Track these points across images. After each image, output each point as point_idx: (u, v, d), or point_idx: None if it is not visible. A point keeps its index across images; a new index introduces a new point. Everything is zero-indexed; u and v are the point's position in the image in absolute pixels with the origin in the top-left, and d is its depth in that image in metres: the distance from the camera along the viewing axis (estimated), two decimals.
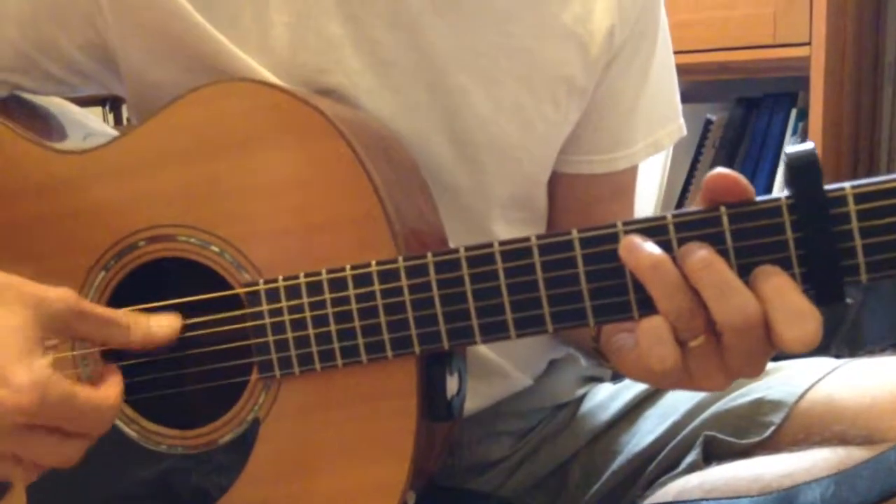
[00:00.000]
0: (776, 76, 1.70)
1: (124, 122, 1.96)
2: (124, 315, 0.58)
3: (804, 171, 0.49)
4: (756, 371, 0.53)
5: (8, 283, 0.55)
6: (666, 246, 0.51)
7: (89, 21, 0.66)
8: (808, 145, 0.50)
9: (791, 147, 0.50)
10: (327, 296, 0.58)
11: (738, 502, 0.62)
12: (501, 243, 0.55)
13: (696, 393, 0.77)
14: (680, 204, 1.77)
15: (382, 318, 0.57)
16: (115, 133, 0.71)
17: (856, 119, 1.67)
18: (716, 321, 0.50)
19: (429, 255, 0.56)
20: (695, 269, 0.50)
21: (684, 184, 1.81)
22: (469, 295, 0.55)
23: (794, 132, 1.67)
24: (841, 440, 0.65)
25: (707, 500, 0.64)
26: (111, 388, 0.56)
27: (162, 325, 0.59)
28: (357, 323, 0.57)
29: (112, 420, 0.55)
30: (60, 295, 0.55)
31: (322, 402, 0.59)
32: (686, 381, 0.53)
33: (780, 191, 0.52)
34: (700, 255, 0.50)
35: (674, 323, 0.50)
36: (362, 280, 0.57)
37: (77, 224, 0.63)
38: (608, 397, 0.83)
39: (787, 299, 0.49)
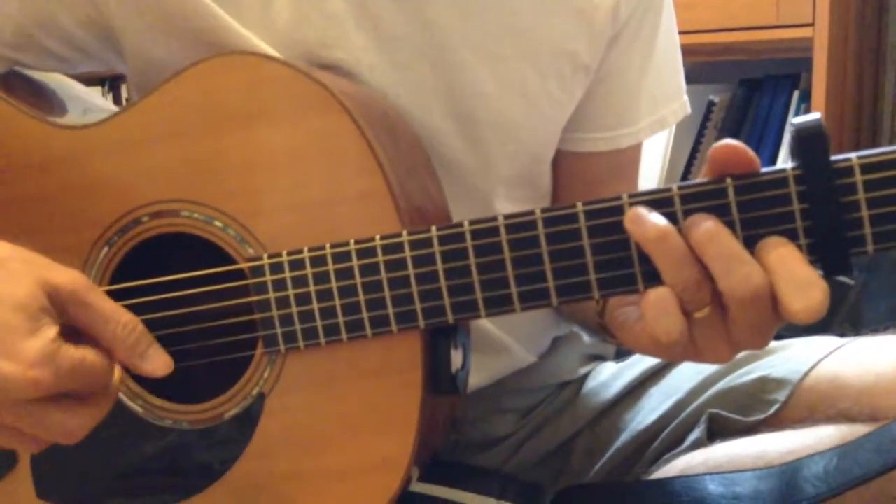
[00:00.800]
0: (779, 57, 1.70)
1: (123, 101, 1.96)
2: (127, 322, 0.55)
3: (811, 142, 0.49)
4: (762, 343, 0.52)
5: (14, 255, 0.54)
6: (672, 218, 0.51)
7: None
8: (815, 115, 0.50)
9: (798, 118, 0.50)
10: (331, 270, 0.58)
11: (741, 476, 0.62)
12: (506, 216, 0.54)
13: (700, 371, 0.77)
14: None
15: (387, 293, 0.57)
16: (115, 109, 0.70)
17: (858, 100, 1.67)
18: (722, 293, 0.50)
19: (433, 228, 0.56)
20: (701, 241, 0.50)
21: (686, 165, 1.81)
22: (473, 268, 0.55)
23: (797, 113, 1.67)
24: (845, 418, 0.65)
25: (711, 474, 0.64)
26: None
27: (153, 357, 0.56)
28: (361, 297, 0.57)
29: (119, 382, 0.55)
30: (70, 278, 0.54)
31: (327, 376, 0.59)
32: (691, 352, 0.53)
33: None
34: (706, 226, 0.50)
35: (680, 295, 0.50)
36: (366, 254, 0.57)
37: (80, 199, 0.63)
38: (612, 375, 0.83)
39: (792, 269, 0.49)
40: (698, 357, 0.54)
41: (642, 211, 0.51)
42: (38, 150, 0.64)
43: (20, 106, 0.65)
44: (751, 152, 0.51)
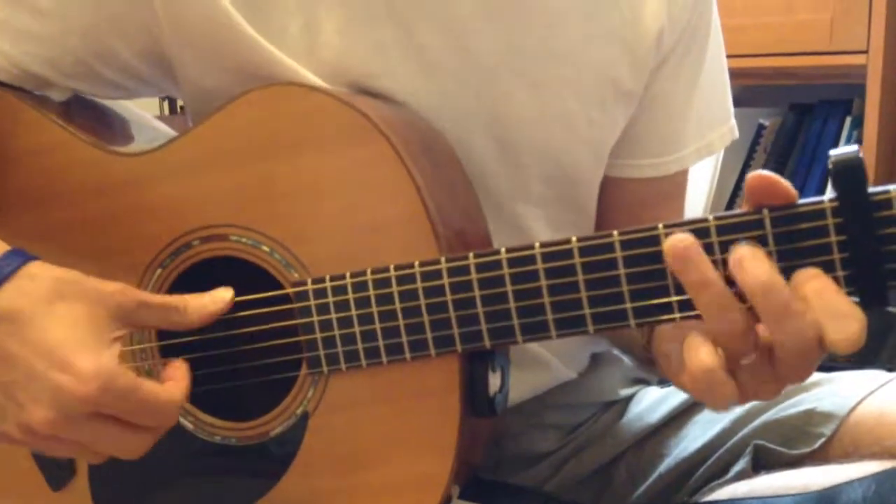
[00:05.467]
0: (831, 83, 1.68)
1: (178, 110, 2.00)
2: (178, 299, 0.61)
3: (848, 174, 0.49)
4: (806, 376, 0.52)
5: (68, 279, 0.57)
6: (708, 248, 0.51)
7: (147, 30, 0.67)
8: (853, 148, 0.50)
9: (835, 150, 0.50)
10: (372, 295, 0.59)
11: (780, 501, 0.62)
12: (542, 244, 0.55)
13: None
14: (729, 209, 1.76)
15: (425, 317, 0.58)
16: (172, 133, 0.73)
17: None
18: (774, 343, 0.50)
19: (470, 255, 0.57)
20: (754, 292, 0.49)
21: (734, 189, 1.79)
22: (510, 295, 0.56)
23: (849, 140, 1.65)
24: (891, 455, 0.64)
25: (752, 498, 0.64)
26: (177, 385, 0.58)
27: (215, 298, 0.61)
28: (401, 321, 0.58)
29: (175, 417, 0.57)
30: (118, 288, 0.58)
31: (368, 397, 0.61)
32: (739, 398, 0.52)
33: None
34: (760, 278, 0.49)
35: (725, 345, 0.50)
36: (406, 280, 0.58)
37: (134, 223, 0.66)
38: (656, 400, 0.83)
39: (828, 301, 0.48)
40: (745, 399, 0.53)
41: (693, 253, 0.50)
42: (94, 176, 0.67)
43: (77, 133, 0.68)
44: (784, 183, 0.51)
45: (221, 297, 0.61)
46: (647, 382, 0.88)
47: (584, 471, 0.81)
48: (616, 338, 0.85)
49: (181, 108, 1.98)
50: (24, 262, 0.57)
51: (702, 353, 0.50)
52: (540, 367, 0.79)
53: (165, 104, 2.03)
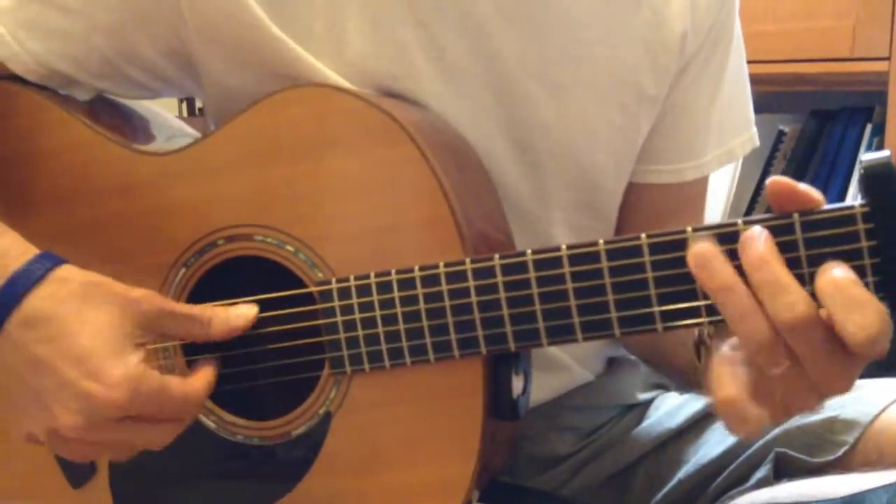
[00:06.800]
0: (852, 90, 1.67)
1: (197, 111, 2.00)
2: (204, 310, 0.61)
3: (880, 179, 0.49)
4: (843, 385, 0.51)
5: (96, 283, 0.58)
6: (735, 255, 0.50)
7: (173, 30, 0.68)
8: (885, 153, 0.49)
9: (867, 154, 0.50)
10: (396, 296, 0.59)
11: None
12: (569, 247, 0.55)
13: None
14: (748, 215, 1.75)
15: (450, 319, 0.58)
16: (196, 134, 0.73)
17: None
18: (772, 322, 0.49)
19: (496, 257, 0.57)
20: (749, 265, 0.49)
21: (753, 195, 1.79)
22: (536, 298, 0.56)
23: (869, 147, 1.64)
24: None
25: (776, 502, 0.63)
26: (200, 379, 0.59)
27: (239, 314, 0.61)
28: (425, 322, 0.58)
29: (199, 408, 0.58)
30: (145, 295, 0.58)
31: (391, 398, 0.61)
32: (780, 412, 0.51)
33: None
34: (757, 253, 0.49)
35: (754, 356, 0.49)
36: (430, 281, 0.58)
37: (159, 223, 0.66)
38: (676, 406, 0.83)
39: (845, 292, 0.47)
40: (786, 413, 0.52)
41: (709, 255, 0.50)
42: (120, 175, 0.67)
43: (104, 132, 0.68)
44: (802, 189, 0.50)
45: (245, 312, 0.62)
46: (665, 388, 0.88)
47: (602, 475, 0.81)
48: (657, 354, 0.84)
49: (199, 110, 1.99)
50: (53, 266, 0.57)
51: (725, 384, 0.50)
52: (557, 368, 0.79)
53: (184, 106, 2.03)
